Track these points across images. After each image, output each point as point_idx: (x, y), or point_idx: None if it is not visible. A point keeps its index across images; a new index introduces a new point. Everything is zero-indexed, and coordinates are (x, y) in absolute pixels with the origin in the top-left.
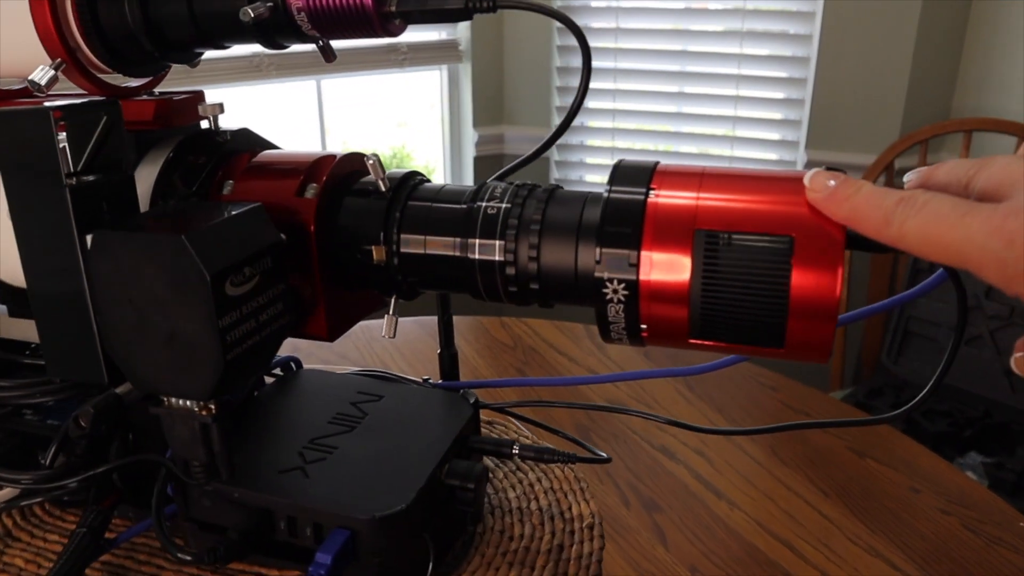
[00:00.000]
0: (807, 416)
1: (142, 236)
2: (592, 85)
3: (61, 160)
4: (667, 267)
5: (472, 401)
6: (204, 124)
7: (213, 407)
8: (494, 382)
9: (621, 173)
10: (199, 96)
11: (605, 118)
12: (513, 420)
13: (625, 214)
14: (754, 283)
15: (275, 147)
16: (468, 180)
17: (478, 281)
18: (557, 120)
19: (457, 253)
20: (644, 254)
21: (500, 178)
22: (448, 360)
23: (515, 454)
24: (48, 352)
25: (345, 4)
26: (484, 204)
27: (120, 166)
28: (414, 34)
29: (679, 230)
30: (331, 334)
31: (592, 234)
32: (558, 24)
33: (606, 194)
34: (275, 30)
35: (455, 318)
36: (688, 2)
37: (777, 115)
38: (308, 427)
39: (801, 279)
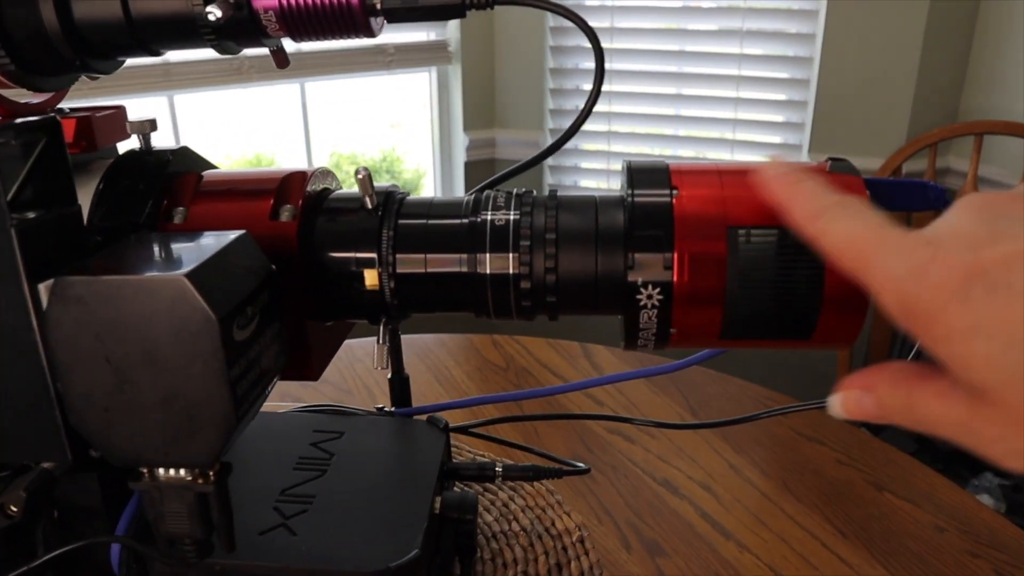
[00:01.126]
0: (820, 443)
1: (124, 281)
2: (587, 86)
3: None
4: (703, 267)
5: (442, 426)
6: (126, 144)
7: (212, 474)
8: (454, 403)
9: (638, 175)
10: (122, 112)
11: (600, 121)
12: (467, 441)
13: (654, 216)
14: (790, 277)
15: (216, 167)
16: (459, 186)
17: (488, 298)
18: (551, 124)
19: (465, 269)
20: (678, 256)
21: (491, 185)
22: (399, 385)
23: (499, 474)
24: None
25: (327, 2)
26: (489, 215)
27: (68, 198)
28: (401, 35)
29: (711, 228)
30: (318, 372)
31: (617, 239)
32: (552, 24)
33: (629, 198)
34: (234, 32)
35: (443, 336)
36: (686, 1)
37: (779, 117)
38: (274, 478)
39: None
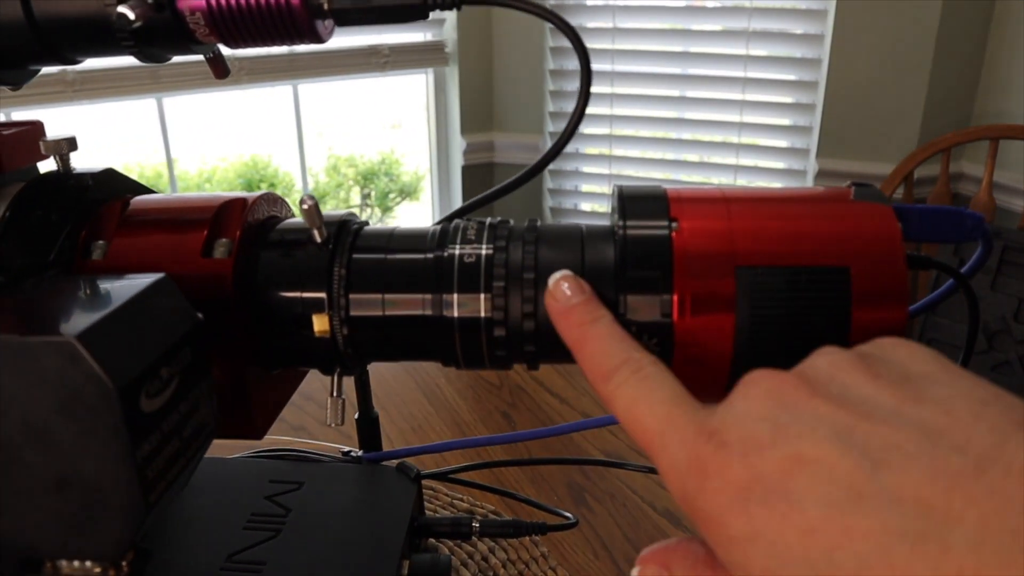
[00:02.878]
0: None
1: (3, 342)
2: None
3: None
4: (708, 312)
5: (413, 475)
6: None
7: (125, 565)
8: (432, 447)
9: (631, 203)
10: (37, 128)
11: (602, 124)
12: (445, 485)
13: (651, 252)
14: (811, 323)
15: (149, 191)
16: (457, 190)
17: (456, 345)
18: (551, 127)
19: (429, 312)
20: (679, 299)
21: (476, 205)
22: (367, 427)
23: (475, 530)
24: None
25: (263, 2)
26: (458, 250)
27: None
28: (397, 35)
29: (718, 268)
30: (262, 429)
31: (607, 279)
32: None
33: (620, 230)
34: (157, 37)
35: None
36: (690, 0)
37: (786, 121)
38: (221, 540)
39: (863, 316)
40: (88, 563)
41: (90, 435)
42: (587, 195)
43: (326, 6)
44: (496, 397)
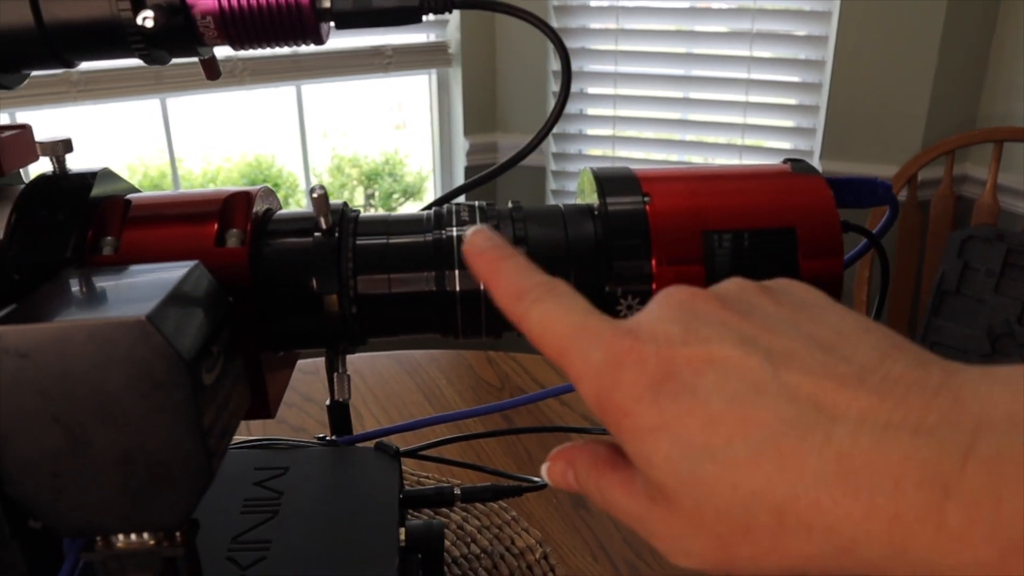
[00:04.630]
0: None
1: (73, 326)
2: (591, 90)
3: None
4: (682, 274)
5: (392, 452)
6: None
7: (179, 535)
8: (404, 425)
9: (608, 183)
10: (28, 131)
11: (605, 125)
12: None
13: (630, 224)
14: (766, 276)
15: (138, 190)
16: None
17: (457, 316)
18: (555, 128)
19: (433, 288)
20: (657, 263)
21: (467, 188)
22: (338, 412)
23: (457, 497)
24: None
25: (274, 5)
26: (455, 231)
27: None
28: (400, 36)
29: (687, 234)
30: (274, 409)
31: (591, 249)
32: (555, 25)
33: (601, 206)
34: (167, 40)
35: (435, 352)
36: (693, 1)
37: (789, 123)
38: (221, 525)
39: (808, 267)
40: (145, 536)
41: (159, 409)
42: (565, 201)
43: (330, 8)
44: (497, 399)
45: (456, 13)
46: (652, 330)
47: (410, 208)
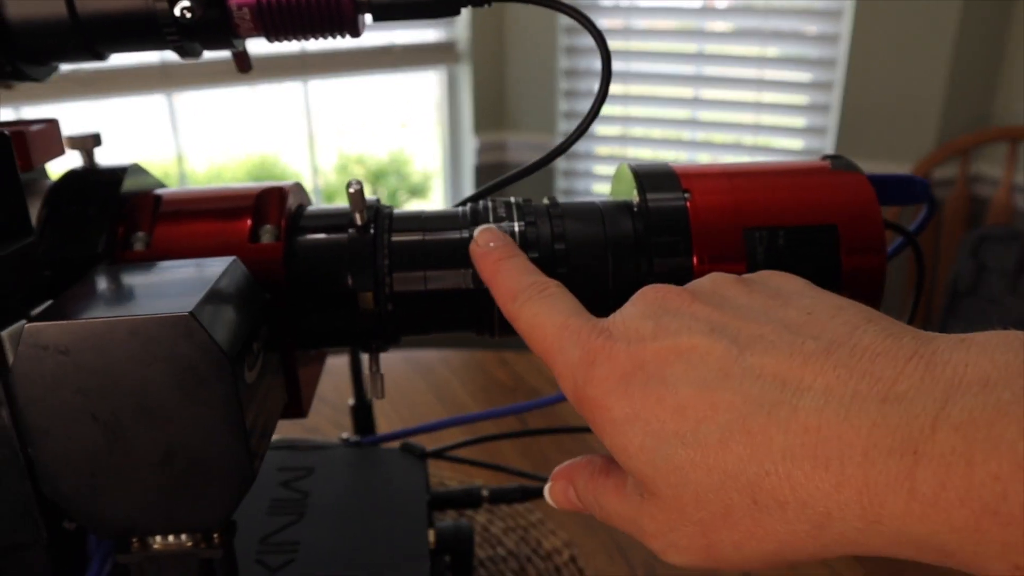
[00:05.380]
0: None
1: (115, 322)
2: None
3: None
4: (723, 270)
5: (419, 453)
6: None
7: (217, 537)
8: (427, 426)
9: (647, 179)
10: (55, 125)
11: (614, 125)
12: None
13: (670, 221)
14: (807, 273)
15: (165, 186)
16: (469, 190)
17: (494, 314)
18: (563, 126)
19: (471, 286)
20: (698, 260)
21: (485, 194)
22: (363, 413)
23: (485, 498)
24: None
25: None
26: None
27: (22, 228)
28: (408, 34)
29: (728, 231)
30: (307, 408)
31: (630, 246)
32: (565, 23)
33: (642, 202)
34: (201, 32)
35: (448, 353)
36: (704, 0)
37: (802, 122)
38: (249, 526)
39: (851, 264)
40: (183, 537)
41: (202, 406)
42: (599, 196)
43: (368, 0)
44: (511, 400)
45: (464, 10)
46: (625, 328)
47: (421, 207)
